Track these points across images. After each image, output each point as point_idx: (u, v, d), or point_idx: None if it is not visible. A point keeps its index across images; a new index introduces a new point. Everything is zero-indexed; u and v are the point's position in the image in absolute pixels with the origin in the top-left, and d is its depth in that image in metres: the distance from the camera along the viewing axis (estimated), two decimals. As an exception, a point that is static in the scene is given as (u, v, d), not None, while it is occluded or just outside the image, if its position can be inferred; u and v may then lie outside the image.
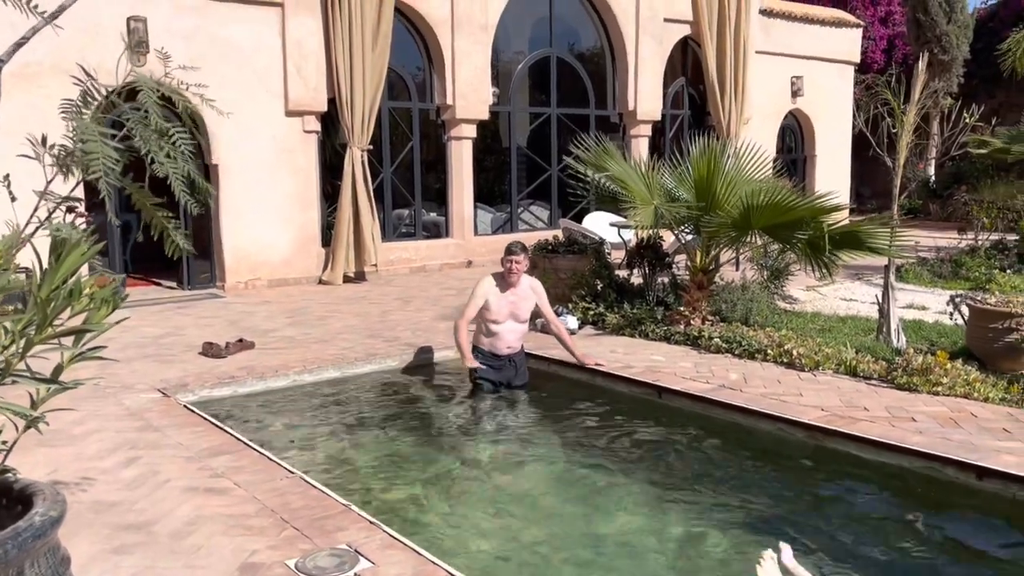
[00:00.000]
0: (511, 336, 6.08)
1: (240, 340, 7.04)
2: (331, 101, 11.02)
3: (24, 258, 2.70)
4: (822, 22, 17.19)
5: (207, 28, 10.01)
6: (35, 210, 2.58)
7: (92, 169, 2.53)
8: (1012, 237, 11.86)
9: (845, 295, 9.74)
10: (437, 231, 13.06)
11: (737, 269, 10.19)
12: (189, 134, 2.89)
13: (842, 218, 7.15)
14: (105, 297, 2.48)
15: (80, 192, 2.81)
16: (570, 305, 7.93)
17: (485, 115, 12.67)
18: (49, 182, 2.61)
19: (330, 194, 11.76)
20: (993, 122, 11.39)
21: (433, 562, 3.17)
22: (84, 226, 2.57)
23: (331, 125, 11.62)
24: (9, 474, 2.54)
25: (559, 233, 9.77)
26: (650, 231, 8.08)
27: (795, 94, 16.92)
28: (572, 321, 7.52)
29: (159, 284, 10.83)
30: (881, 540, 3.75)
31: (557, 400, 5.99)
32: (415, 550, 3.26)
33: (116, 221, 6.58)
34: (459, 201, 12.71)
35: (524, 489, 4.48)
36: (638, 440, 5.13)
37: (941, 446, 4.39)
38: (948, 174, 19.87)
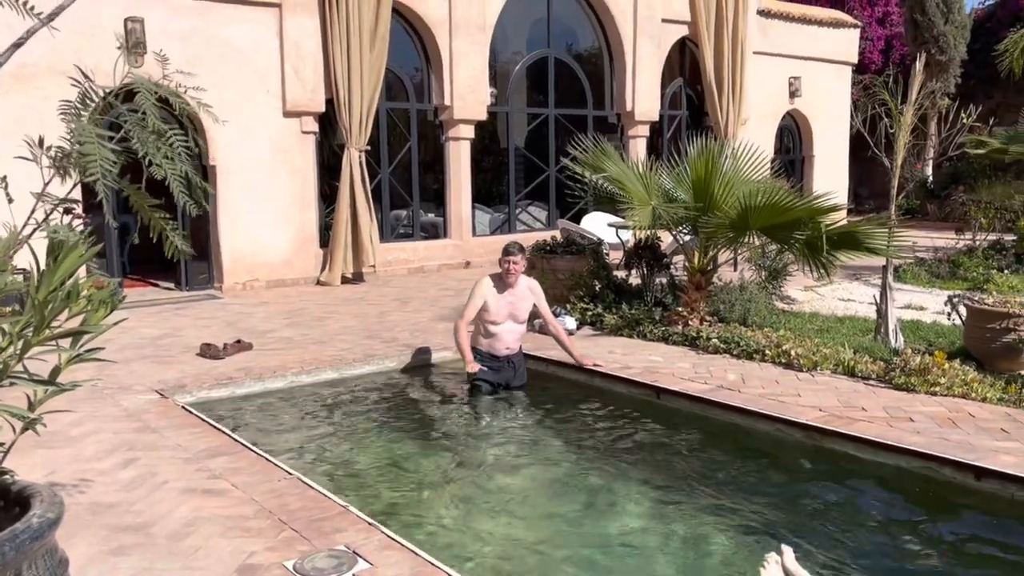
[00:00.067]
0: (509, 337, 6.08)
1: (238, 341, 7.03)
2: (329, 102, 11.02)
3: (21, 260, 2.70)
4: (820, 23, 17.21)
5: (204, 29, 10.00)
6: (32, 212, 2.58)
7: (90, 171, 2.52)
8: (1010, 237, 11.88)
9: (843, 295, 9.74)
10: (435, 232, 13.06)
11: (735, 269, 10.19)
12: (187, 136, 2.88)
13: (840, 218, 7.16)
14: (103, 299, 2.48)
15: (77, 194, 2.80)
16: (568, 306, 7.93)
17: (483, 116, 12.67)
18: (47, 184, 2.61)
19: (328, 195, 11.76)
20: (990, 122, 11.42)
21: (431, 563, 3.17)
22: (82, 228, 2.57)
23: (329, 126, 11.62)
24: (7, 476, 2.54)
25: (557, 234, 9.77)
26: (648, 232, 8.09)
27: (793, 95, 16.94)
28: (570, 322, 7.52)
29: (157, 285, 10.83)
30: (881, 541, 3.75)
31: (555, 401, 5.99)
32: (413, 551, 3.26)
33: (114, 223, 6.59)
34: (457, 202, 12.71)
35: (523, 490, 4.48)
36: (637, 441, 5.13)
37: (939, 446, 4.40)
38: (946, 174, 19.90)
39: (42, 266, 2.39)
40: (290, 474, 4.13)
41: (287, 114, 10.79)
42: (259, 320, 8.52)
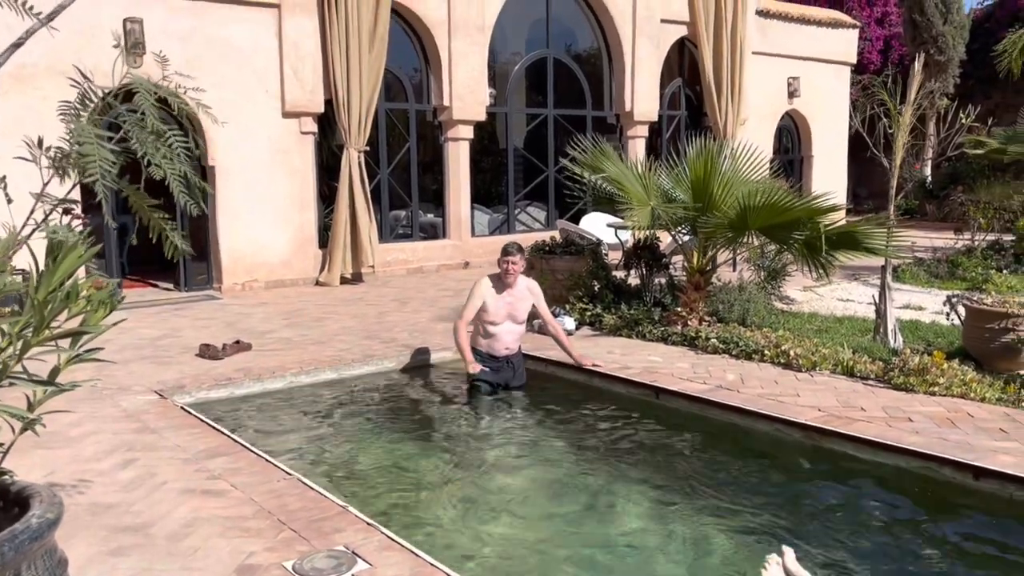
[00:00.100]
0: (509, 337, 6.08)
1: (237, 342, 7.03)
2: (328, 102, 11.02)
3: (20, 260, 2.70)
4: (818, 23, 17.22)
5: (203, 29, 10.00)
6: (31, 212, 2.58)
7: (89, 171, 2.52)
8: (1008, 237, 11.89)
9: (842, 295, 9.75)
10: (434, 232, 13.06)
11: (734, 270, 10.20)
12: (186, 136, 2.88)
13: (839, 218, 7.16)
14: (102, 299, 2.48)
15: (77, 194, 2.81)
16: (567, 306, 7.93)
17: (482, 116, 12.67)
18: (45, 184, 2.61)
19: (327, 195, 11.76)
20: (989, 122, 11.43)
21: (431, 563, 3.17)
22: (81, 228, 2.57)
23: (328, 126, 11.62)
24: (6, 476, 2.54)
25: (556, 234, 9.77)
26: (647, 232, 8.09)
27: (792, 95, 16.95)
28: (569, 322, 7.53)
29: (156, 286, 10.82)
30: (880, 541, 3.75)
31: (555, 401, 5.99)
32: (413, 551, 3.26)
33: (113, 223, 6.59)
34: (456, 202, 12.71)
35: (523, 490, 4.48)
36: (636, 441, 5.13)
37: (938, 446, 4.40)
38: (944, 174, 19.91)
39: (41, 266, 2.39)
40: (289, 474, 4.13)
41: (286, 115, 10.79)
42: (258, 321, 8.52)
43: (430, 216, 13.32)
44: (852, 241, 6.72)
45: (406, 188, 12.43)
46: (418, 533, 3.73)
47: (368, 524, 3.52)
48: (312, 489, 3.93)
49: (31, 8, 2.64)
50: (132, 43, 9.22)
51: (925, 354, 5.72)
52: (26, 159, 2.66)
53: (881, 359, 6.00)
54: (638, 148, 14.50)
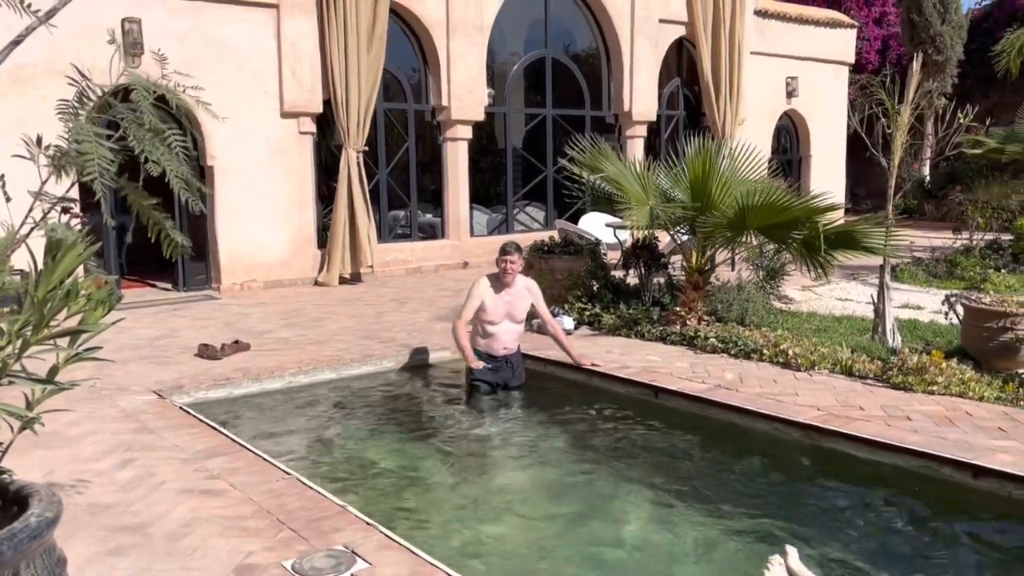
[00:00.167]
0: (507, 337, 6.08)
1: (236, 342, 7.03)
2: (327, 102, 11.01)
3: (18, 259, 2.70)
4: (817, 23, 17.23)
5: (201, 29, 10.00)
6: (30, 210, 2.57)
7: (87, 170, 2.52)
8: (1007, 237, 11.89)
9: (841, 295, 9.75)
10: (433, 232, 13.06)
11: (733, 269, 10.19)
12: (185, 135, 2.88)
13: (837, 218, 7.16)
14: (101, 298, 2.48)
15: (75, 193, 2.80)
16: (566, 306, 7.93)
17: (480, 116, 12.67)
18: (44, 183, 2.61)
19: (326, 196, 11.76)
20: (987, 122, 11.44)
21: (430, 563, 3.17)
22: (79, 227, 2.57)
23: (327, 127, 11.62)
24: (5, 475, 2.54)
25: (555, 234, 9.77)
26: (646, 232, 8.09)
27: (790, 95, 16.96)
28: (568, 322, 7.53)
29: (154, 286, 10.81)
30: (880, 540, 3.75)
31: (554, 401, 5.99)
32: (412, 551, 3.26)
33: (112, 221, 6.57)
34: (455, 202, 12.71)
35: (522, 490, 4.48)
36: (635, 440, 5.14)
37: (937, 445, 4.40)
38: (943, 174, 19.92)
39: (40, 265, 2.39)
40: (288, 474, 4.13)
41: (285, 115, 10.79)
42: (257, 320, 8.51)
43: (429, 216, 13.32)
44: (851, 240, 6.72)
45: (405, 188, 12.42)
46: (417, 533, 3.73)
47: (367, 523, 3.52)
48: (311, 488, 3.93)
49: (29, 5, 2.64)
50: (130, 43, 9.21)
51: (924, 353, 5.73)
52: (25, 157, 2.65)
53: (880, 358, 6.01)
54: (636, 148, 14.50)
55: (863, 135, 7.39)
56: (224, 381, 6.01)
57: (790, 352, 6.19)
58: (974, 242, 12.16)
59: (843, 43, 18.01)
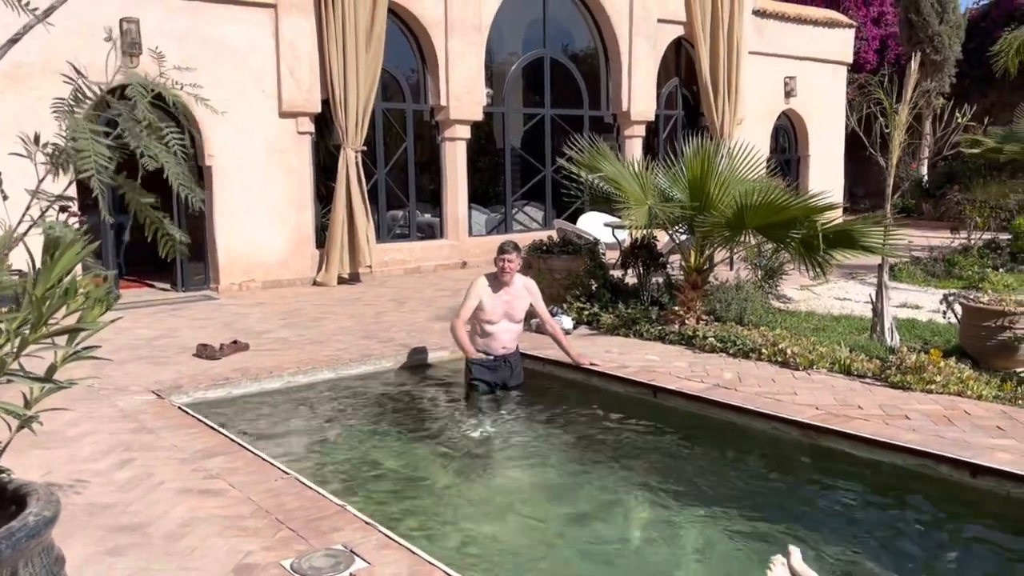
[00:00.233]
0: (506, 336, 6.07)
1: (234, 342, 7.02)
2: (325, 102, 11.01)
3: (17, 260, 2.69)
4: (815, 23, 17.24)
5: (199, 29, 9.99)
6: (27, 209, 2.57)
7: (83, 166, 2.52)
8: (1005, 236, 11.91)
9: (839, 294, 9.76)
10: (431, 232, 13.06)
11: (731, 269, 10.20)
12: (183, 133, 2.88)
13: (836, 217, 7.17)
14: (99, 296, 2.47)
15: (74, 193, 2.80)
16: (565, 305, 7.93)
17: (479, 116, 12.67)
18: (41, 181, 2.60)
19: (324, 195, 11.75)
20: (985, 122, 11.46)
21: (429, 562, 3.16)
22: (77, 225, 2.56)
23: (325, 126, 11.62)
24: (3, 475, 2.54)
25: (553, 234, 9.77)
26: (644, 231, 8.09)
27: (788, 94, 16.97)
28: (567, 321, 7.52)
29: (152, 286, 10.81)
30: (879, 538, 3.75)
31: (552, 400, 5.99)
32: (411, 550, 3.26)
33: (110, 218, 6.57)
34: (453, 202, 12.71)
35: (520, 490, 4.48)
36: (634, 440, 5.14)
37: (935, 444, 4.41)
38: (941, 174, 19.93)
39: (38, 263, 2.39)
40: (287, 473, 4.12)
41: (283, 114, 10.78)
42: (255, 321, 8.51)
43: (427, 216, 13.32)
44: (849, 240, 6.73)
45: (403, 188, 12.42)
46: (416, 532, 3.73)
47: (366, 523, 3.52)
48: (310, 488, 3.93)
49: (27, 4, 2.64)
50: (129, 43, 9.20)
51: (922, 352, 5.73)
52: (22, 155, 2.65)
53: (878, 357, 6.01)
54: (635, 148, 14.50)
55: (861, 135, 7.39)
56: (223, 381, 6.01)
57: (788, 351, 6.19)
58: (972, 241, 12.17)
59: (841, 43, 18.02)
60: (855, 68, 19.76)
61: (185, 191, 2.87)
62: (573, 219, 12.52)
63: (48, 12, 2.71)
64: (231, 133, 10.18)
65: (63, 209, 2.62)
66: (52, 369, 2.57)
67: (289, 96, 10.74)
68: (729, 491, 4.31)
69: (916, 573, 3.49)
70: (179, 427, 4.93)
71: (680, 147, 7.83)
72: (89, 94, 2.82)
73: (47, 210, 2.61)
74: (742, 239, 7.37)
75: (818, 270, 6.93)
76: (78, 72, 2.79)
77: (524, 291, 6.16)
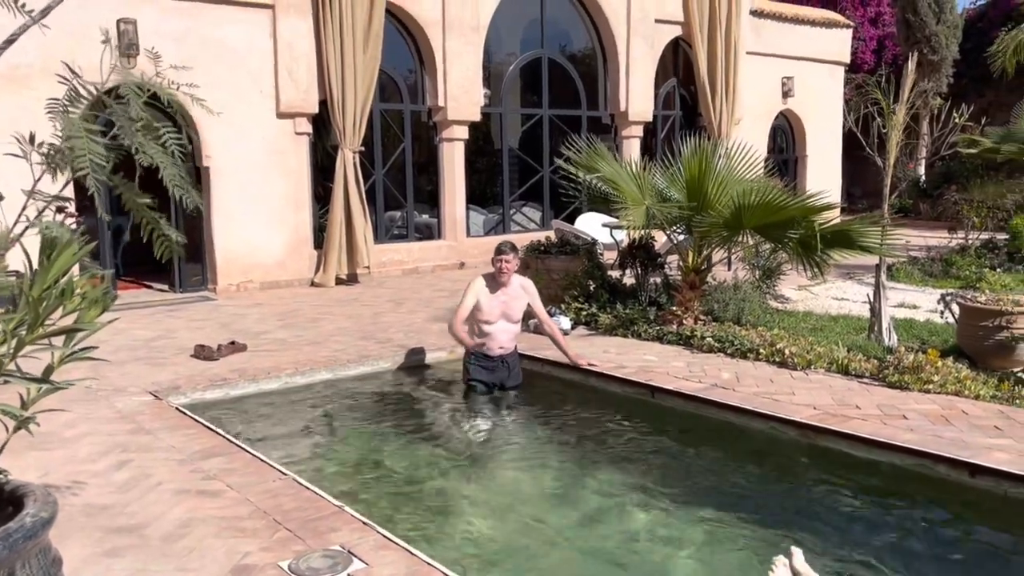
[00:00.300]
0: (503, 336, 6.07)
1: (232, 342, 7.01)
2: (323, 103, 11.01)
3: (12, 259, 2.69)
4: (812, 23, 17.26)
5: (197, 30, 9.98)
6: (23, 209, 2.57)
7: (78, 165, 2.51)
8: (1002, 236, 11.92)
9: (837, 294, 9.77)
10: (429, 233, 13.05)
11: (729, 269, 10.21)
12: (180, 133, 2.87)
13: (833, 217, 7.17)
14: (96, 297, 2.47)
15: (71, 194, 2.80)
16: (563, 306, 7.93)
17: (477, 117, 12.67)
18: (37, 180, 2.60)
19: (322, 196, 11.75)
20: (982, 122, 11.48)
21: (427, 562, 3.16)
22: (74, 226, 2.56)
23: (323, 127, 11.61)
24: (0, 476, 2.53)
25: (551, 234, 9.77)
26: (642, 231, 8.08)
27: (786, 95, 16.98)
28: (565, 322, 7.52)
29: (150, 287, 10.79)
30: (878, 538, 3.76)
31: (551, 401, 5.99)
32: (409, 550, 3.26)
33: (107, 217, 6.55)
34: (451, 203, 12.71)
35: (518, 490, 4.48)
36: (632, 440, 5.14)
37: (933, 444, 4.41)
38: (938, 174, 19.95)
39: (34, 264, 2.38)
40: (285, 474, 4.12)
41: (281, 115, 10.78)
42: (253, 321, 8.50)
43: (425, 217, 13.31)
44: (846, 240, 6.73)
45: (401, 189, 12.42)
46: (415, 533, 3.72)
47: (364, 523, 3.52)
48: (307, 489, 3.92)
49: (23, 6, 2.64)
50: (126, 44, 9.19)
51: (920, 352, 5.73)
52: (17, 155, 2.64)
53: (876, 357, 6.01)
54: (633, 148, 14.50)
55: (859, 135, 7.40)
56: (221, 382, 6.00)
57: (786, 351, 6.19)
58: (970, 241, 12.18)
59: (839, 43, 18.04)
60: (852, 68, 19.78)
61: (180, 192, 2.86)
62: (571, 219, 12.52)
63: (44, 13, 2.71)
64: (229, 134, 10.17)
65: (60, 209, 2.61)
66: (49, 370, 2.57)
67: (287, 97, 10.73)
68: (727, 491, 4.31)
69: (915, 573, 3.49)
70: (177, 428, 4.92)
71: (678, 147, 7.83)
72: (84, 94, 2.82)
73: (44, 210, 2.61)
74: (740, 239, 7.37)
75: (816, 270, 6.94)
76: (73, 72, 2.78)
77: (522, 291, 6.16)
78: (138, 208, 2.88)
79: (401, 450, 4.99)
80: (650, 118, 14.96)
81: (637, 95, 14.54)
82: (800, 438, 4.86)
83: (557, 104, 14.17)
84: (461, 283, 7.46)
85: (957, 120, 7.37)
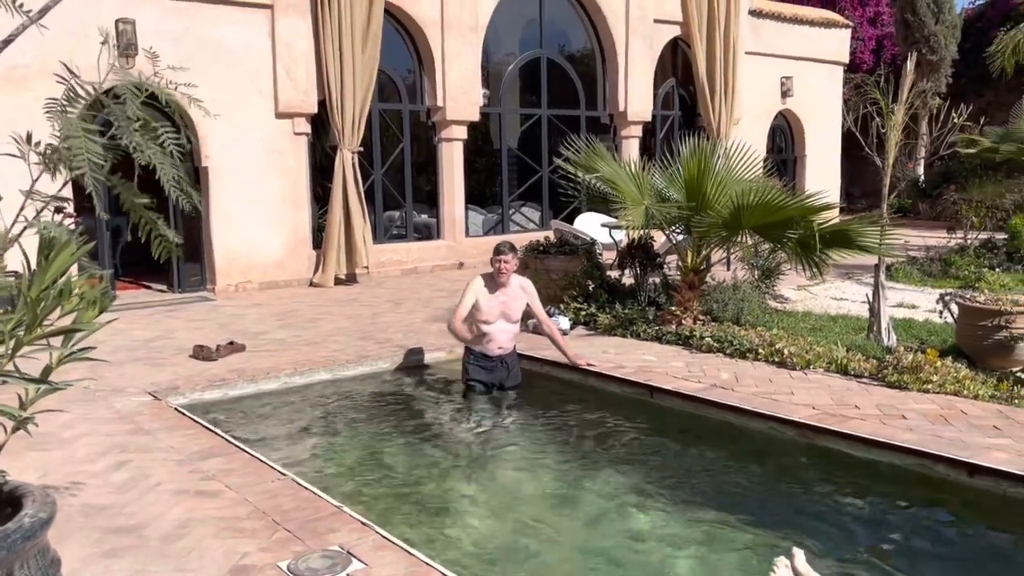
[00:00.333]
0: (502, 336, 6.06)
1: (231, 343, 7.01)
2: (321, 103, 11.00)
3: (10, 259, 2.69)
4: (811, 23, 17.26)
5: (196, 30, 9.98)
6: (21, 209, 2.56)
7: (76, 164, 2.51)
8: (1001, 236, 11.92)
9: (836, 294, 9.77)
10: (428, 233, 13.05)
11: (728, 269, 10.21)
12: (178, 133, 2.87)
13: (832, 217, 7.17)
14: (94, 297, 2.47)
15: (68, 193, 2.79)
16: (562, 306, 7.93)
17: (476, 116, 12.67)
18: (35, 180, 2.60)
19: (321, 196, 11.74)
20: (981, 121, 11.44)
21: (426, 563, 3.16)
22: (72, 226, 2.56)
23: (321, 127, 11.60)
24: (-2, 476, 2.53)
25: (550, 234, 9.77)
26: (641, 231, 8.09)
27: (785, 95, 16.99)
28: (564, 322, 7.52)
29: (149, 287, 10.79)
30: (878, 538, 3.76)
31: (550, 401, 5.99)
32: (408, 551, 3.26)
33: (105, 216, 6.54)
34: (450, 203, 12.70)
35: (518, 490, 4.47)
36: (631, 440, 5.14)
37: (932, 443, 4.41)
38: (937, 173, 19.96)
39: (33, 264, 2.38)
40: (283, 475, 4.12)
41: (279, 115, 10.77)
42: (252, 322, 8.50)
43: (424, 217, 13.31)
44: (846, 239, 6.73)
45: (400, 189, 12.41)
46: (414, 533, 3.72)
47: (363, 524, 3.52)
48: (306, 489, 3.92)
49: (21, 6, 2.63)
50: (125, 44, 9.18)
51: (919, 352, 5.73)
52: (14, 155, 2.64)
53: (875, 357, 6.01)
54: (632, 148, 14.51)
55: (858, 135, 7.40)
56: (219, 382, 6.00)
57: (785, 351, 6.19)
58: (968, 241, 12.19)
59: (838, 43, 18.05)
60: (851, 68, 19.79)
61: (176, 193, 2.86)
62: (570, 219, 12.52)
63: (42, 13, 2.70)
64: (227, 134, 10.17)
65: (58, 210, 2.61)
66: (48, 370, 2.56)
67: (285, 97, 10.73)
68: (727, 490, 4.31)
69: (915, 573, 3.49)
70: (176, 428, 4.92)
71: (677, 147, 7.83)
72: (83, 94, 2.81)
73: (42, 211, 2.61)
74: (739, 239, 7.37)
75: (815, 270, 6.94)
76: (71, 72, 2.78)
77: (520, 291, 6.16)
78: (136, 208, 2.88)
79: (400, 450, 4.99)
80: (649, 118, 14.96)
81: (636, 95, 14.54)
82: (799, 438, 4.86)
83: (556, 104, 14.17)
84: (460, 283, 7.46)
85: (956, 120, 7.37)
